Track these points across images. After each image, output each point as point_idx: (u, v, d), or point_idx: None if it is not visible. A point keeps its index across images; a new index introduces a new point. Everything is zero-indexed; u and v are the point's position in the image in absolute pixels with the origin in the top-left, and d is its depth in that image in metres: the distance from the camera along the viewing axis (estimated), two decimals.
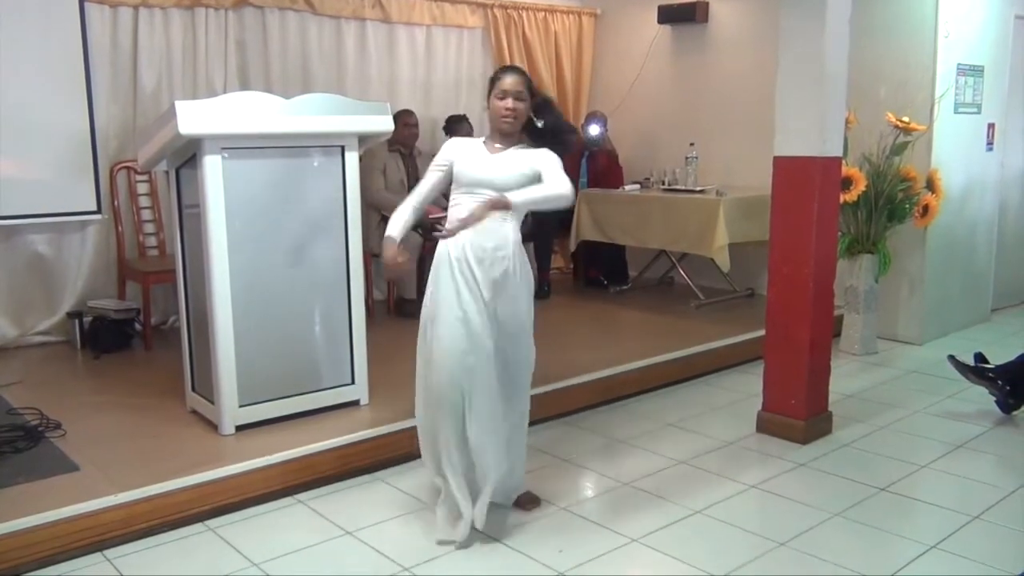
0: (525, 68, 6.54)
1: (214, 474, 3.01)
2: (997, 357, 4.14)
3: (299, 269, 3.49)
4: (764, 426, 3.79)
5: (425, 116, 5.92)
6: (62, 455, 3.16)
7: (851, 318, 5.08)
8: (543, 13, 6.71)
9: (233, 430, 3.37)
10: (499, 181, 2.78)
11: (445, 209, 2.95)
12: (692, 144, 6.05)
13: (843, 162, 3.94)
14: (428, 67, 6.18)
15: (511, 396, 2.84)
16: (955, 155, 5.27)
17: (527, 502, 3.03)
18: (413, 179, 5.41)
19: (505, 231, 2.81)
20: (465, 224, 2.71)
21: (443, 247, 2.80)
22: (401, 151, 5.50)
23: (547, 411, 3.89)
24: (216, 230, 3.25)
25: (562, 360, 4.33)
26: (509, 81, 2.85)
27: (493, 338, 2.74)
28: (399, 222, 2.90)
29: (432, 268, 2.84)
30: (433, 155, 3.01)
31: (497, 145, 2.90)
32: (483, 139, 2.94)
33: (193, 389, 3.64)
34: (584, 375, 4.13)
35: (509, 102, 2.84)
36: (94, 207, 4.76)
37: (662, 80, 6.64)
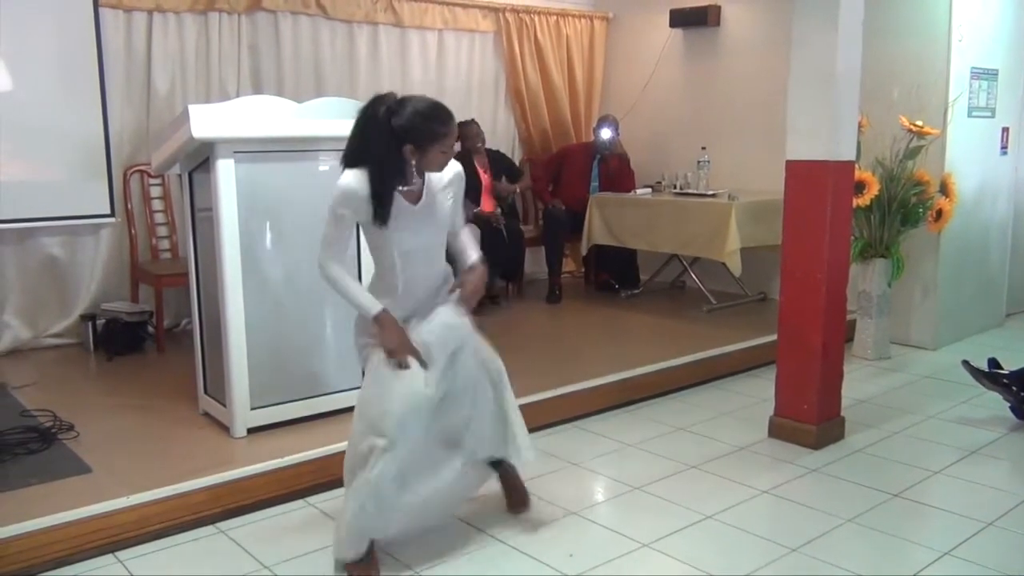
0: (537, 72, 6.63)
1: (226, 476, 3.02)
2: (1011, 362, 4.12)
3: (311, 272, 3.48)
4: (776, 431, 3.77)
5: None
6: (75, 457, 3.17)
7: (864, 323, 5.06)
8: (555, 17, 6.72)
9: (245, 433, 3.38)
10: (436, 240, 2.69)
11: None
12: (704, 148, 6.05)
13: (856, 166, 3.93)
14: (440, 71, 6.20)
15: None
16: (969, 159, 5.24)
17: (519, 503, 2.97)
18: None
19: None
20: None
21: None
22: None
23: (557, 415, 3.89)
24: (228, 233, 3.26)
25: (573, 364, 4.33)
26: (456, 134, 2.62)
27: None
28: (362, 291, 2.61)
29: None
30: None
31: (408, 188, 2.59)
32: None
33: (205, 392, 3.65)
34: (595, 379, 4.12)
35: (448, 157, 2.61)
36: (107, 210, 4.78)
37: (674, 84, 6.64)
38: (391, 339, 2.54)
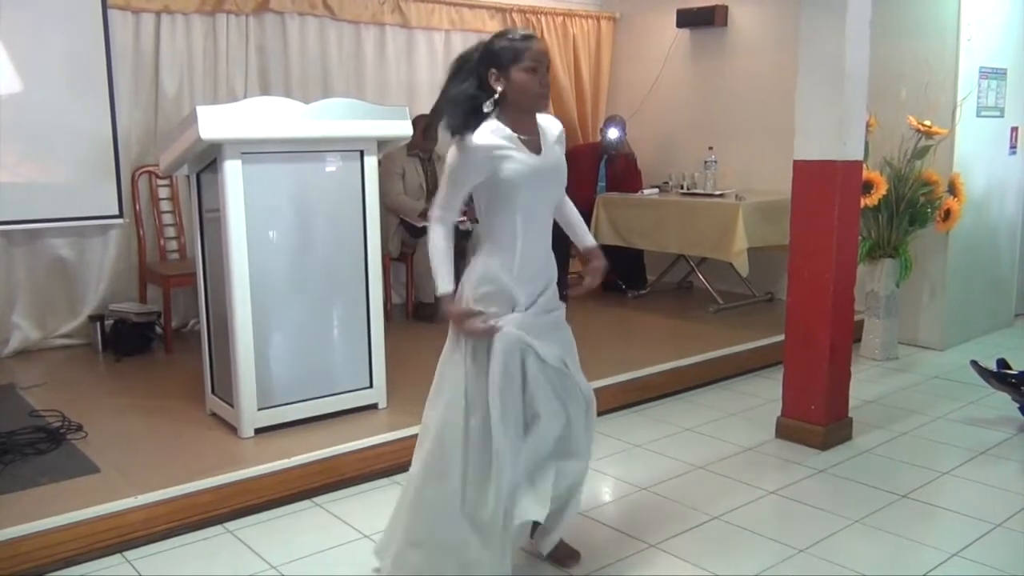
0: None
1: (233, 476, 3.03)
2: (1020, 362, 4.10)
3: (318, 273, 3.51)
4: (783, 431, 3.76)
5: None
6: (83, 457, 3.19)
7: (872, 323, 5.04)
8: (561, 17, 6.72)
9: (252, 433, 3.39)
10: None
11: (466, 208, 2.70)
12: (711, 148, 6.04)
13: (864, 166, 3.92)
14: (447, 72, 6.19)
15: None
16: (977, 159, 5.22)
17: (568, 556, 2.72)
18: (432, 184, 5.43)
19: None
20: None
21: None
22: (420, 155, 5.52)
23: None
24: (236, 234, 3.27)
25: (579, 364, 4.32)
26: (539, 49, 2.35)
27: None
28: (445, 265, 2.40)
29: None
30: None
31: (527, 137, 2.40)
32: (504, 128, 2.37)
33: (213, 392, 3.66)
34: (602, 380, 4.10)
35: (544, 76, 2.36)
36: (116, 211, 4.80)
37: (681, 84, 6.63)
38: (457, 320, 2.38)
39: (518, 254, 2.42)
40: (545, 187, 2.46)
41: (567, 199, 2.69)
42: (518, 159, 2.36)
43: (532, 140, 2.41)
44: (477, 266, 2.44)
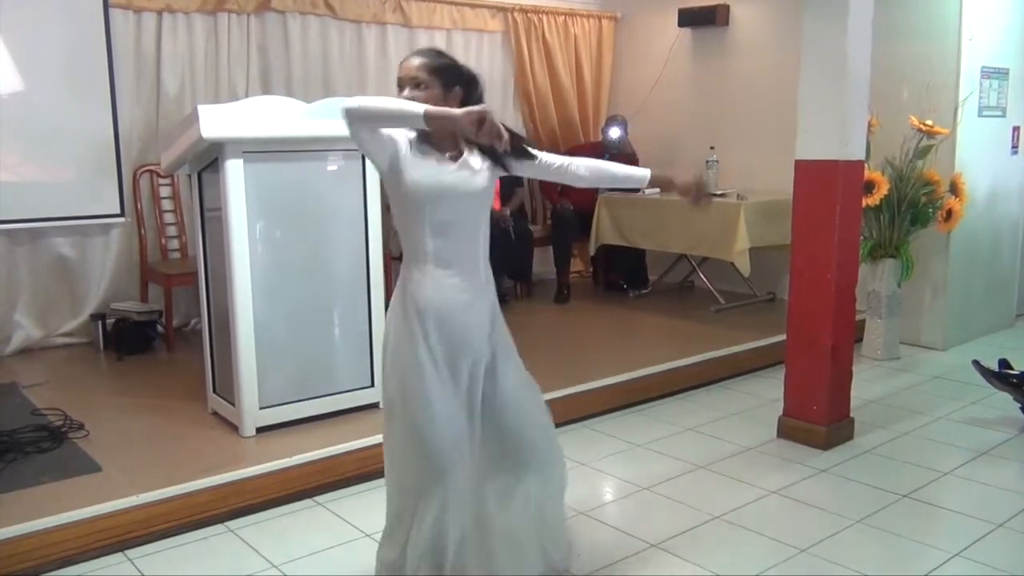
0: (545, 72, 6.62)
1: (234, 476, 3.03)
2: (1022, 362, 4.10)
3: (319, 272, 3.51)
4: (785, 431, 3.76)
5: None
6: (85, 456, 3.19)
7: (873, 323, 5.04)
8: (563, 17, 6.72)
9: (254, 432, 3.39)
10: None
11: None
12: (712, 148, 6.03)
13: (865, 166, 3.92)
14: None
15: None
16: (979, 159, 5.22)
17: None
18: None
19: None
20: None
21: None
22: None
23: (566, 415, 3.88)
24: (237, 233, 3.27)
25: (581, 364, 4.33)
26: (404, 65, 2.28)
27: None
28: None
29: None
30: None
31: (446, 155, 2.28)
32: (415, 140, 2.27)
33: (214, 391, 3.66)
34: (603, 379, 4.12)
35: (407, 92, 2.24)
36: (117, 210, 4.80)
37: (682, 83, 6.63)
38: (460, 117, 2.04)
39: (430, 265, 2.33)
40: (458, 201, 2.32)
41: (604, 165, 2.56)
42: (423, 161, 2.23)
43: (452, 156, 2.29)
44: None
